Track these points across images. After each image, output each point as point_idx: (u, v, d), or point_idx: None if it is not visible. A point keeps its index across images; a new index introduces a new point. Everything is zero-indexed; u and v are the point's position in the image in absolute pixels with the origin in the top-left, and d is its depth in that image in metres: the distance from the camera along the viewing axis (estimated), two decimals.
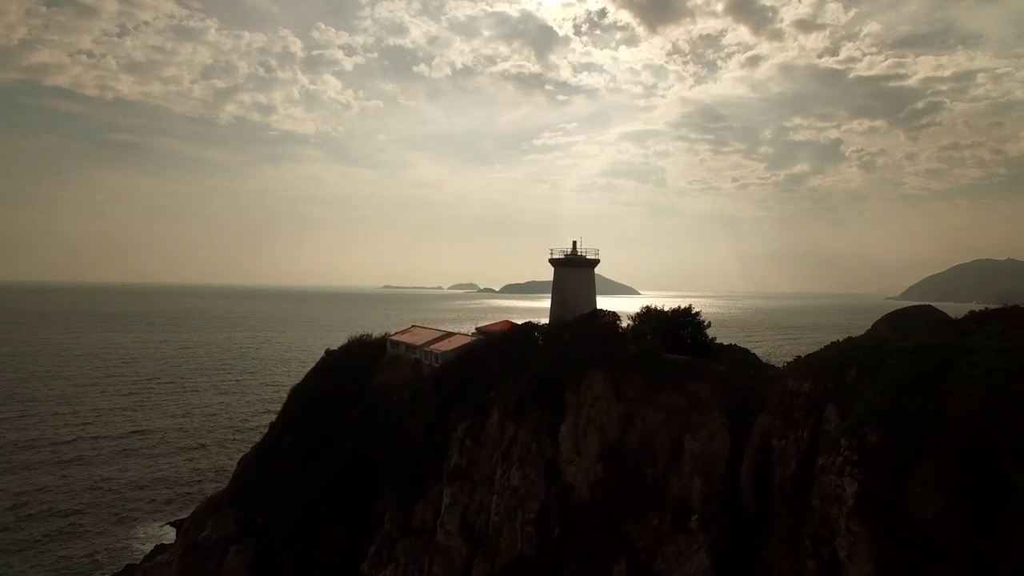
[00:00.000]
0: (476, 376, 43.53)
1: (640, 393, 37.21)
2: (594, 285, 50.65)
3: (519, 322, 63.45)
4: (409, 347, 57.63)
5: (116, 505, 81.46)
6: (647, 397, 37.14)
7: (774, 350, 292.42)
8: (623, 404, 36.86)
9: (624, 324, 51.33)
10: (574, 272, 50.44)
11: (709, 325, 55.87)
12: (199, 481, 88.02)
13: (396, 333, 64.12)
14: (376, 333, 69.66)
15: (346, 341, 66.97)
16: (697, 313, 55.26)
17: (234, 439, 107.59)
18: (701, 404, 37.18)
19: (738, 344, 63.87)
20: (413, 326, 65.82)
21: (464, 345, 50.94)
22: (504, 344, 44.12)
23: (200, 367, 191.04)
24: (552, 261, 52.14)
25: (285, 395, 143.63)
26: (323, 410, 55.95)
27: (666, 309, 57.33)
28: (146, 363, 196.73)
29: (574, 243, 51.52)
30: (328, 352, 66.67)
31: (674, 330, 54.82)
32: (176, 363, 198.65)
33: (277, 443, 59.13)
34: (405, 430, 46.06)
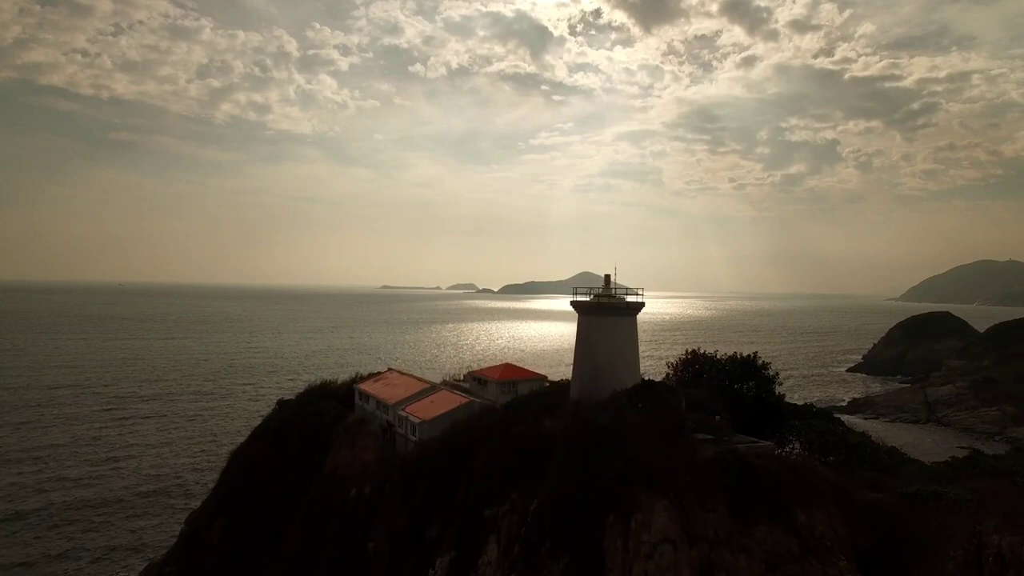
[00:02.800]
0: (465, 473, 29.71)
1: (724, 530, 23.31)
2: (636, 340, 35.50)
3: (520, 366, 49.72)
4: (380, 404, 43.77)
5: None
6: (735, 536, 23.24)
7: (791, 358, 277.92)
8: (698, 549, 22.95)
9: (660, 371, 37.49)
10: (608, 323, 34.50)
11: (778, 380, 42.20)
12: (133, 550, 73.20)
13: (367, 379, 50.21)
14: (345, 373, 55.64)
15: (304, 388, 52.72)
16: (764, 364, 41.60)
17: (195, 484, 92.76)
18: (820, 545, 23.30)
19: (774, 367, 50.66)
20: (389, 370, 51.82)
21: (450, 411, 37.15)
22: (506, 429, 30.16)
23: (183, 379, 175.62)
24: (576, 305, 36.49)
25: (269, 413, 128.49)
26: (265, 491, 42.11)
27: (720, 356, 43.72)
28: (125, 374, 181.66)
29: (607, 278, 35.75)
30: (281, 404, 52.49)
31: (731, 383, 41.30)
32: (158, 375, 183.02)
33: (208, 526, 45.21)
34: (363, 545, 32.30)
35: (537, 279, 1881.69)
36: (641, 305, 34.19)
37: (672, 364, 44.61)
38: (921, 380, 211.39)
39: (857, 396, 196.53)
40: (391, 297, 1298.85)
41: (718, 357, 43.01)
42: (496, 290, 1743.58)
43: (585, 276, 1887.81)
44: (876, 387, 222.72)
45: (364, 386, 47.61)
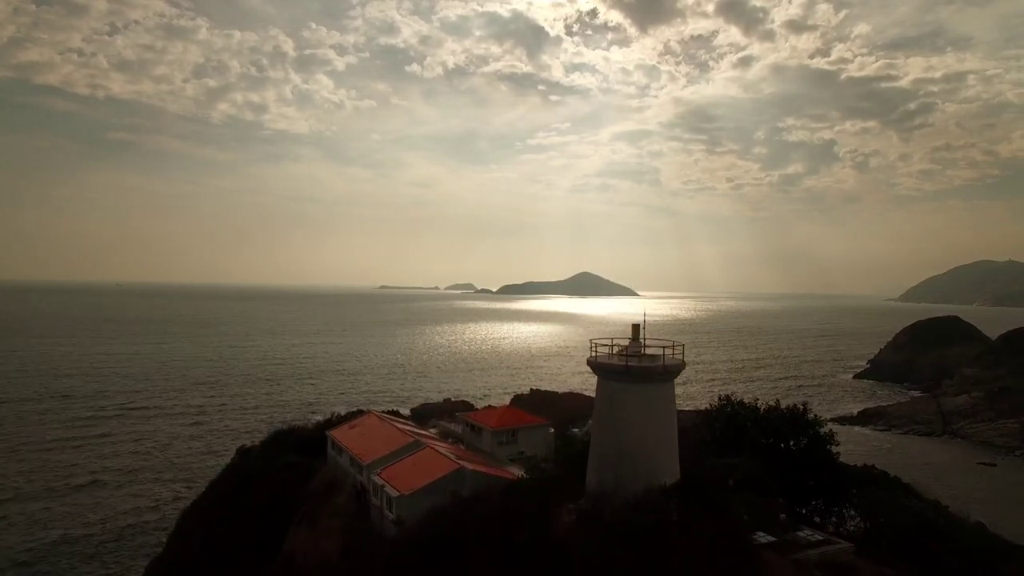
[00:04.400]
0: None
1: None
2: (675, 414, 27.15)
3: (520, 410, 42.79)
4: (354, 461, 36.76)
5: None
6: None
7: (795, 363, 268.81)
8: None
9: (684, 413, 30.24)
10: (640, 393, 25.75)
11: (834, 442, 35.22)
12: None
13: (343, 424, 43.07)
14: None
15: (270, 434, 45.48)
16: (817, 419, 34.71)
17: (172, 519, 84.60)
18: None
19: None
20: (368, 413, 44.57)
21: (435, 481, 30.20)
22: (505, 531, 23.09)
23: (171, 390, 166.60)
24: (596, 367, 27.69)
25: (254, 435, 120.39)
26: (213, 573, 35.10)
27: (760, 405, 36.85)
28: (111, 384, 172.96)
29: (636, 328, 27.42)
30: (241, 454, 45.33)
31: (777, 440, 34.40)
32: (145, 385, 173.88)
33: None
34: None
35: (536, 279, 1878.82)
36: (680, 368, 26.53)
37: (703, 413, 37.60)
38: (934, 389, 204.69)
39: (867, 406, 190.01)
40: (389, 297, 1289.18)
41: (758, 406, 36.07)
42: (495, 290, 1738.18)
43: (583, 276, 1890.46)
44: (885, 394, 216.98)
45: (337, 434, 40.50)
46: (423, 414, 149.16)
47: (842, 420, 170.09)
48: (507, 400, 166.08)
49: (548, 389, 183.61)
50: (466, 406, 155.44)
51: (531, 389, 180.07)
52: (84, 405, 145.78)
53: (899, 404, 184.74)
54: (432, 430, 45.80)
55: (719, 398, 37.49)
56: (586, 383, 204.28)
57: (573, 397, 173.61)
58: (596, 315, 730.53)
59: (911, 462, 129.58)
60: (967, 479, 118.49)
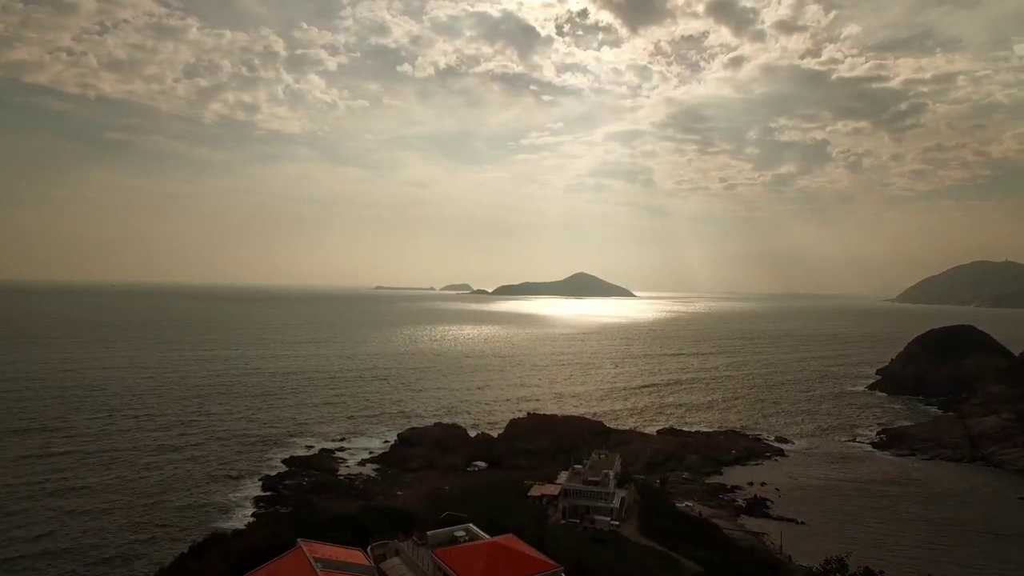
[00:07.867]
0: None
1: None
2: None
3: (520, 548, 30.07)
4: None
5: None
6: None
7: (803, 372, 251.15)
8: None
9: None
10: None
11: None
12: None
13: (266, 566, 30.02)
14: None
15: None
16: None
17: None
18: None
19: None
20: (298, 549, 31.20)
21: None
22: None
23: (145, 415, 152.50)
24: None
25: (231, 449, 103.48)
26: None
27: None
28: (79, 405, 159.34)
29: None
30: None
31: None
32: (117, 405, 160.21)
33: None
34: None
35: (532, 280, 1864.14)
36: None
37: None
38: (953, 405, 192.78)
39: (886, 425, 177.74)
40: (385, 298, 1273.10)
41: None
42: (491, 291, 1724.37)
43: (580, 277, 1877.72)
44: (902, 410, 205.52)
45: None
46: (411, 440, 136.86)
47: (863, 442, 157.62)
48: (502, 427, 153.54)
49: (546, 411, 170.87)
50: (457, 431, 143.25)
51: (528, 412, 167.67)
52: (55, 435, 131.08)
53: (922, 425, 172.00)
54: (395, 559, 32.79)
55: (825, 563, 24.73)
56: (586, 404, 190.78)
57: (574, 421, 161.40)
58: (596, 317, 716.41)
59: (947, 495, 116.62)
60: (1014, 520, 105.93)
